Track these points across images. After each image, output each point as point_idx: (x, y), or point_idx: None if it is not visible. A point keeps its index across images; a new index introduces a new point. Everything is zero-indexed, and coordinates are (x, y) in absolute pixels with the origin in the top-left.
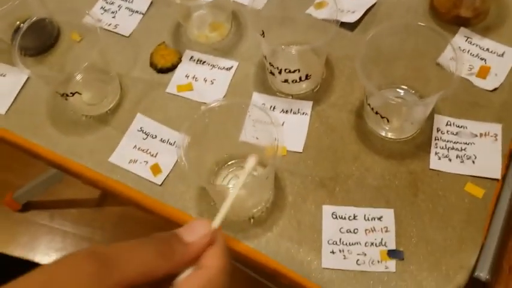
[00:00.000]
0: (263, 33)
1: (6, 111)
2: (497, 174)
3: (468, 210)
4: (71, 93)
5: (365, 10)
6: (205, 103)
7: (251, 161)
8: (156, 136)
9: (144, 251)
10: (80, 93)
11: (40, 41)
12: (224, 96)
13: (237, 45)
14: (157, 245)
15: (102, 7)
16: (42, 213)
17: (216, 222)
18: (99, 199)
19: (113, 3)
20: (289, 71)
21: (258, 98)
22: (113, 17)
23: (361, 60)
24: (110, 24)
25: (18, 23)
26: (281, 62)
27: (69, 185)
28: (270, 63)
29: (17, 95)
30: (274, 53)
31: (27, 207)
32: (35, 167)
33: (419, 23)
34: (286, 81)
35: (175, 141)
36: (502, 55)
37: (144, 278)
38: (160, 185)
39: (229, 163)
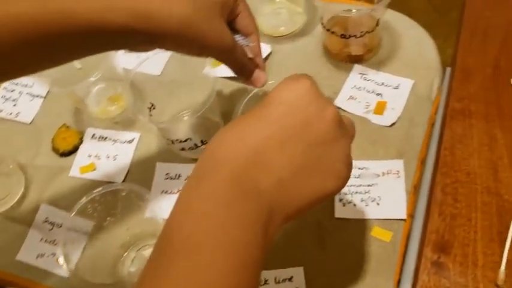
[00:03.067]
0: (152, 105)
1: None
2: (403, 214)
3: (377, 257)
4: None
5: None
6: (110, 182)
7: None
8: (61, 225)
9: None
10: None
11: None
12: (128, 172)
13: (139, 114)
14: None
15: (2, 96)
16: None
17: None
18: None
19: (13, 90)
20: (181, 141)
21: (162, 167)
22: (14, 105)
23: None
24: (11, 114)
25: None
26: (171, 133)
27: None
28: (161, 135)
29: None
30: (161, 127)
31: None
32: None
33: None
34: (183, 149)
35: (81, 227)
36: (398, 87)
37: None
38: (69, 277)
39: (136, 243)
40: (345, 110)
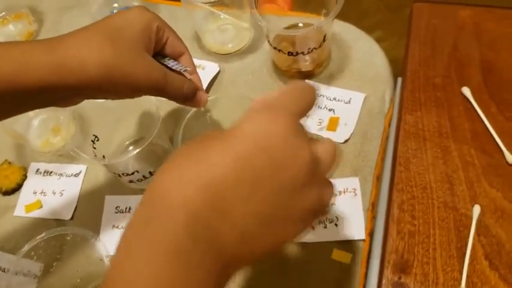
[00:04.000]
0: (96, 138)
1: None
2: (362, 234)
3: (338, 281)
4: None
5: (209, 81)
6: (58, 220)
7: None
8: (8, 270)
9: None
10: None
11: None
12: (76, 207)
13: (83, 146)
14: None
15: None
16: None
17: None
18: None
19: None
20: (128, 174)
21: (111, 201)
22: None
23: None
24: None
25: None
26: (117, 168)
27: None
28: (107, 170)
29: None
30: (106, 164)
31: None
32: None
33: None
34: (131, 181)
35: (29, 270)
36: (349, 101)
37: None
38: None
39: (88, 284)
40: None
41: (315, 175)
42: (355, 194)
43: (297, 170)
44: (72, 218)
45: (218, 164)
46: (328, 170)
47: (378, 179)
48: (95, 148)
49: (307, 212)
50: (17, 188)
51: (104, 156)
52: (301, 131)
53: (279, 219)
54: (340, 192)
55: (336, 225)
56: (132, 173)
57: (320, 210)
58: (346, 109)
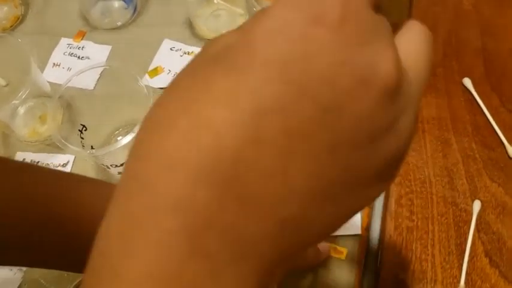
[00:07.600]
0: (83, 127)
1: None
2: (358, 229)
3: (333, 277)
4: None
5: None
6: None
7: None
8: None
9: None
10: None
11: None
12: None
13: (70, 136)
14: None
15: None
16: None
17: None
18: None
19: None
20: (116, 166)
21: None
22: None
23: None
24: None
25: None
26: (105, 159)
27: None
28: (95, 161)
29: None
30: (93, 155)
31: None
32: None
33: None
34: (120, 173)
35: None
36: None
37: None
38: None
39: (75, 278)
40: None
41: (397, 99)
42: None
43: (366, 104)
44: None
45: (231, 99)
46: (420, 83)
47: None
48: (82, 138)
49: (388, 167)
50: None
51: (92, 147)
52: (374, 23)
53: (339, 191)
54: None
55: None
56: (121, 165)
57: (405, 147)
58: None
